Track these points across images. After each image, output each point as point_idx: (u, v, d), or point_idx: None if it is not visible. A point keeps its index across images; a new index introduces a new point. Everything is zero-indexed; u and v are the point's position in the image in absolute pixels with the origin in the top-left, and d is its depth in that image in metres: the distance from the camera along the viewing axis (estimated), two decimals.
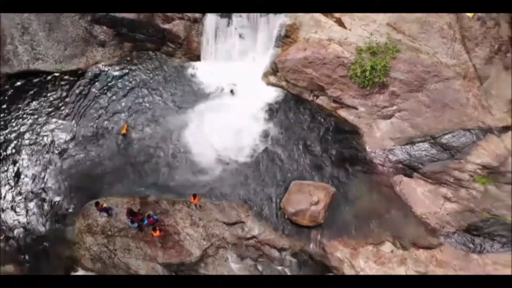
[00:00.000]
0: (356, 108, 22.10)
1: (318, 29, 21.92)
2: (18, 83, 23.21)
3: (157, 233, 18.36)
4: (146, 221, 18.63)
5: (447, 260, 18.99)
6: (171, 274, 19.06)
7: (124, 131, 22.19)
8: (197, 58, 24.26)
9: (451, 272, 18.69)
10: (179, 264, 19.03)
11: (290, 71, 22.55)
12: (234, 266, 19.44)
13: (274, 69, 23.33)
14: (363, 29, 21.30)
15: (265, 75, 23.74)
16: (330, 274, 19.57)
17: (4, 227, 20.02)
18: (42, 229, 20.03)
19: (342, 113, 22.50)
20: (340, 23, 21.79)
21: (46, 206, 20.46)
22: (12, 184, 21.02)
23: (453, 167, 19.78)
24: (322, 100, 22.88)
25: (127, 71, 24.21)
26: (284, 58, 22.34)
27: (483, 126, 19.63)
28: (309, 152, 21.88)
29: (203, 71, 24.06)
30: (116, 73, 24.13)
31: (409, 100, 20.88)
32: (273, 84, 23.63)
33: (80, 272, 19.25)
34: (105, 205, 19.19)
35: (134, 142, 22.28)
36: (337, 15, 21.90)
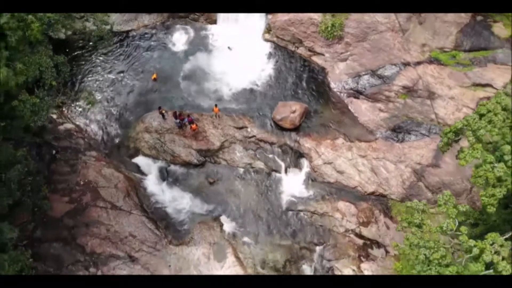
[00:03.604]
0: (323, 55, 32.41)
1: None
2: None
3: (194, 125, 28.87)
4: (186, 119, 29.02)
5: (379, 147, 29.38)
6: (201, 158, 29.32)
7: (154, 76, 32.13)
8: (215, 22, 34.61)
9: (381, 155, 29.13)
10: (206, 150, 29.47)
11: (279, 29, 32.89)
12: (241, 154, 29.82)
13: (268, 29, 33.64)
14: None
15: (263, 33, 34.01)
16: (329, 274, 24.37)
17: (90, 131, 30.47)
18: (114, 131, 30.49)
19: (314, 58, 32.83)
20: None
21: (116, 117, 30.92)
22: (92, 103, 31.34)
23: (385, 89, 30.13)
24: (301, 50, 33.20)
25: (164, 31, 34.61)
26: (275, 20, 32.72)
27: (404, 61, 29.98)
28: (291, 84, 32.21)
29: (219, 31, 34.41)
30: (157, 33, 34.56)
31: (357, 47, 31.20)
32: (268, 40, 33.91)
33: (141, 156, 29.63)
34: (164, 111, 29.57)
35: (168, 79, 32.41)
36: None
